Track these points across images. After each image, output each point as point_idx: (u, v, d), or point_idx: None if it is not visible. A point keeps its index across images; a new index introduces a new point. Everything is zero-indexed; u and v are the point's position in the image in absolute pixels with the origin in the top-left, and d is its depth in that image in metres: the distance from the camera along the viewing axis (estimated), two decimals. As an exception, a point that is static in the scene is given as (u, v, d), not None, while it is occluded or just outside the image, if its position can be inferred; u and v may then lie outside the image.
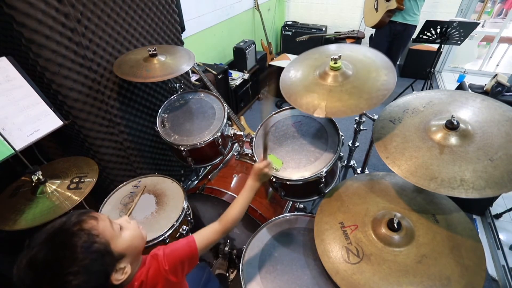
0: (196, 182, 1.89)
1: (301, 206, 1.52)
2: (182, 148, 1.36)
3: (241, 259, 1.01)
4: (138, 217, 1.21)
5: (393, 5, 2.53)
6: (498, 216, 1.97)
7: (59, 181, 1.15)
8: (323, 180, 1.09)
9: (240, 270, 0.98)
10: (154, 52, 1.37)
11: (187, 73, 2.01)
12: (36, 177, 1.09)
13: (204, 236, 0.83)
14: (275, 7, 4.49)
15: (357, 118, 1.39)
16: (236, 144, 1.66)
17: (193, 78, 2.41)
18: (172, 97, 1.59)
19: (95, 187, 1.14)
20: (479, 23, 3.15)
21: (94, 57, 1.33)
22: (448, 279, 0.75)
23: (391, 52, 2.90)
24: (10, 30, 1.09)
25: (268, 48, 3.85)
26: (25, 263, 0.55)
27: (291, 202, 1.59)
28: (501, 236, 1.85)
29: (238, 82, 3.09)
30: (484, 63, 4.09)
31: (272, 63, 3.42)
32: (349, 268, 0.82)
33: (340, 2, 4.20)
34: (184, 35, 2.19)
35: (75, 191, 1.11)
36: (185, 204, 1.25)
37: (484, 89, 2.35)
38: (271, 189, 1.45)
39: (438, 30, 2.56)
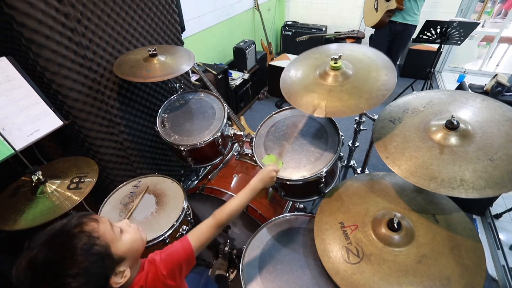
0: (196, 182, 1.89)
1: (301, 206, 1.52)
2: (182, 148, 1.36)
3: (241, 259, 1.01)
4: (138, 217, 1.21)
5: (393, 5, 2.53)
6: (498, 216, 1.97)
7: (59, 181, 1.14)
8: (323, 180, 1.09)
9: (240, 270, 0.98)
10: (154, 52, 1.37)
11: (187, 73, 2.01)
12: (36, 177, 1.09)
13: (199, 235, 0.82)
14: (275, 7, 4.49)
15: (357, 118, 1.39)
16: (236, 144, 1.66)
17: (193, 78, 2.41)
18: (172, 97, 1.59)
19: (95, 187, 1.14)
20: (479, 23, 3.15)
21: (94, 57, 1.33)
22: (448, 279, 0.75)
23: (391, 52, 2.90)
24: (10, 30, 1.09)
25: (268, 48, 3.85)
26: (24, 264, 0.55)
27: (291, 202, 1.59)
28: (501, 236, 1.85)
29: (238, 82, 3.09)
30: (484, 63, 4.09)
31: (272, 63, 3.42)
32: (349, 268, 0.82)
33: (340, 2, 4.20)
34: (184, 35, 2.18)
35: (75, 191, 1.11)
36: (185, 204, 1.25)
37: (484, 89, 2.35)
38: (271, 189, 1.45)
39: (438, 30, 2.56)
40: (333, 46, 1.23)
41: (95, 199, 1.32)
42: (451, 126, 0.82)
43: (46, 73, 1.17)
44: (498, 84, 2.21)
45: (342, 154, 1.21)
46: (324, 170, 1.06)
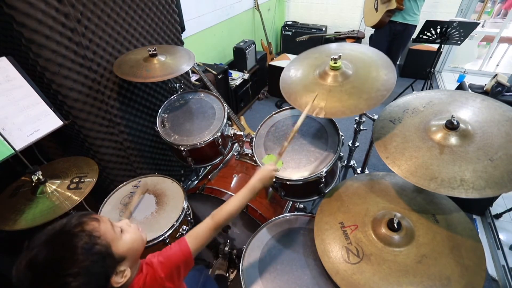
0: (196, 182, 1.89)
1: (301, 206, 1.52)
2: (182, 148, 1.36)
3: (241, 259, 1.01)
4: (138, 217, 1.21)
5: (393, 5, 2.53)
6: (498, 216, 1.97)
7: (59, 181, 1.14)
8: (323, 180, 1.09)
9: (240, 270, 0.98)
10: (154, 52, 1.37)
11: (187, 73, 2.01)
12: (36, 177, 1.09)
13: (197, 236, 0.82)
14: (275, 7, 4.49)
15: (357, 118, 1.39)
16: (236, 144, 1.66)
17: (193, 78, 2.41)
18: (172, 97, 1.59)
19: (95, 187, 1.14)
20: (479, 23, 3.15)
21: (94, 57, 1.33)
22: (448, 279, 0.75)
23: (391, 52, 2.90)
24: (10, 30, 1.09)
25: (268, 48, 3.85)
26: (24, 264, 0.55)
27: (291, 202, 1.59)
28: (501, 236, 1.85)
29: (238, 82, 3.09)
30: (484, 63, 4.09)
31: (272, 63, 3.42)
32: (349, 268, 0.82)
33: (340, 2, 4.20)
34: (184, 35, 2.18)
35: (75, 191, 1.11)
36: (185, 204, 1.25)
37: (484, 89, 2.35)
38: (271, 189, 1.45)
39: (438, 30, 2.56)
40: (332, 46, 1.23)
41: (95, 199, 1.32)
42: (451, 126, 0.82)
43: (46, 73, 1.17)
44: (498, 84, 2.21)
45: (342, 154, 1.21)
46: (324, 170, 1.06)
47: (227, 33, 3.46)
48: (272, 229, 1.11)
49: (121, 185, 1.36)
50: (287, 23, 4.44)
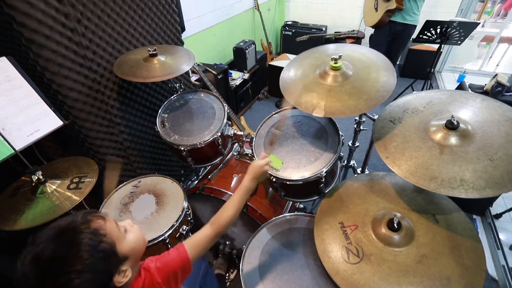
0: (196, 182, 1.89)
1: (301, 206, 1.52)
2: (182, 148, 1.37)
3: (241, 259, 1.01)
4: (138, 217, 1.22)
5: (392, 5, 2.53)
6: (498, 216, 1.97)
7: (59, 181, 1.14)
8: (323, 180, 1.09)
9: (240, 270, 0.98)
10: (154, 52, 1.37)
11: (187, 73, 2.01)
12: (36, 177, 1.09)
13: (196, 243, 0.81)
14: (275, 7, 4.49)
15: (357, 118, 1.39)
16: (236, 144, 1.66)
17: (193, 78, 2.41)
18: (172, 97, 1.59)
19: (95, 187, 1.14)
20: (479, 23, 3.15)
21: (94, 57, 1.33)
22: (448, 279, 0.75)
23: (391, 52, 2.90)
24: (10, 30, 1.09)
25: (268, 48, 3.85)
26: (29, 259, 0.55)
27: (291, 202, 1.59)
28: (501, 236, 1.85)
29: (238, 82, 3.09)
30: (484, 63, 4.09)
31: (272, 63, 3.42)
32: (349, 268, 0.82)
33: (340, 2, 4.20)
34: (184, 35, 2.18)
35: (75, 191, 1.11)
36: (185, 204, 1.25)
37: (484, 89, 2.35)
38: (271, 189, 1.45)
39: (438, 30, 2.56)
40: (332, 46, 1.23)
41: (95, 199, 1.32)
42: (451, 126, 0.82)
43: (46, 73, 1.17)
44: (498, 84, 2.21)
45: (342, 154, 1.21)
46: (324, 170, 1.06)
47: (227, 33, 3.45)
48: (272, 229, 1.11)
49: (121, 185, 1.37)
50: (287, 23, 4.44)
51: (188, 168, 2.18)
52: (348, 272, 0.81)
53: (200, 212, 1.54)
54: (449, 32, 2.53)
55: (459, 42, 2.61)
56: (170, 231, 1.16)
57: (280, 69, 3.12)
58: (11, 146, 0.96)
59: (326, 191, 1.14)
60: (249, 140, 1.55)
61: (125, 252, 0.66)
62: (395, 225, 0.84)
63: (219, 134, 1.40)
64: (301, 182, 1.08)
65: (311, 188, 1.17)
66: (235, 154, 1.67)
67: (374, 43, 3.00)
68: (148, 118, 1.77)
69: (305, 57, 1.21)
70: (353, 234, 0.89)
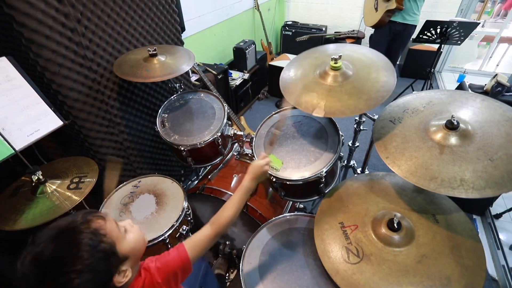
0: (196, 182, 1.89)
1: (301, 206, 1.52)
2: (182, 148, 1.36)
3: (241, 259, 1.01)
4: (138, 217, 1.22)
5: (392, 5, 2.53)
6: (498, 216, 1.97)
7: (59, 181, 1.14)
8: (323, 180, 1.09)
9: (240, 270, 0.98)
10: (154, 52, 1.37)
11: (187, 73, 2.01)
12: (36, 177, 1.09)
13: (196, 243, 0.81)
14: (275, 7, 4.49)
15: (357, 118, 1.39)
16: (236, 144, 1.66)
17: (193, 78, 2.41)
18: (172, 97, 1.59)
19: (95, 187, 1.14)
20: (479, 23, 3.15)
21: (94, 57, 1.33)
22: (448, 279, 0.75)
23: (391, 52, 2.90)
24: (10, 30, 1.08)
25: (268, 48, 3.85)
26: (29, 259, 0.55)
27: (291, 202, 1.59)
28: (501, 236, 1.85)
29: (238, 82, 3.09)
30: (484, 63, 4.09)
31: (272, 63, 3.42)
32: (349, 268, 0.82)
33: (340, 2, 4.20)
34: (184, 35, 2.18)
35: (75, 191, 1.11)
36: (185, 204, 1.25)
37: (484, 89, 2.35)
38: (271, 189, 1.45)
39: (438, 30, 2.56)
40: (332, 46, 1.23)
41: (95, 199, 1.32)
42: (451, 126, 0.82)
43: (46, 73, 1.17)
44: (498, 84, 2.21)
45: (342, 154, 1.21)
46: (324, 170, 1.06)
47: (227, 33, 3.45)
48: (272, 229, 1.11)
49: (121, 185, 1.37)
50: (287, 23, 4.44)
51: (188, 168, 2.18)
52: (348, 272, 0.81)
53: (200, 212, 1.54)
54: (449, 32, 2.53)
55: (459, 42, 2.61)
56: (170, 231, 1.16)
57: (280, 69, 3.12)
58: (11, 146, 0.96)
59: (326, 191, 1.14)
60: (249, 140, 1.55)
61: (125, 252, 0.66)
62: (395, 225, 0.84)
63: (219, 134, 1.40)
64: (301, 182, 1.08)
65: (311, 188, 1.17)
66: (235, 154, 1.67)
67: (374, 43, 3.00)
68: (148, 118, 1.77)
69: (305, 57, 1.21)
70: (353, 234, 0.89)
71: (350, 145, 1.53)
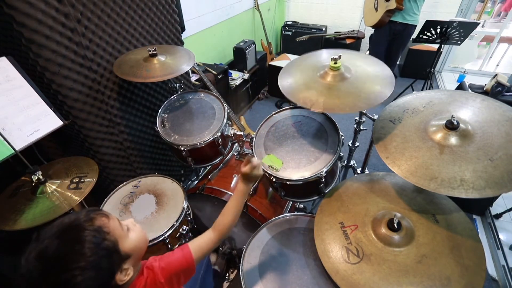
0: (196, 182, 1.89)
1: (301, 206, 1.52)
2: (182, 148, 1.36)
3: (241, 259, 1.01)
4: (138, 217, 1.21)
5: (392, 5, 2.53)
6: (498, 216, 1.97)
7: (59, 181, 1.14)
8: (323, 180, 1.09)
9: (240, 270, 0.98)
10: (154, 52, 1.37)
11: (187, 73, 2.01)
12: (36, 177, 1.09)
13: (200, 246, 0.82)
14: (275, 7, 4.49)
15: (357, 118, 1.39)
16: (236, 144, 1.66)
17: (193, 78, 2.40)
18: (172, 97, 1.59)
19: (95, 187, 1.14)
20: (479, 23, 3.15)
21: (94, 57, 1.33)
22: (448, 279, 0.75)
23: (391, 52, 2.90)
24: (10, 30, 1.08)
25: (268, 48, 3.85)
26: (34, 255, 0.56)
27: (291, 202, 1.59)
28: (501, 236, 1.85)
29: (238, 82, 3.09)
30: (484, 63, 4.09)
31: (272, 63, 3.42)
32: (349, 268, 0.82)
33: (340, 2, 4.20)
34: (184, 35, 2.18)
35: (75, 191, 1.11)
36: (185, 204, 1.25)
37: (484, 89, 2.35)
38: (271, 189, 1.45)
39: (438, 30, 2.56)
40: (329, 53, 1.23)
41: (95, 199, 1.32)
42: (451, 126, 0.82)
43: (46, 73, 1.17)
44: (498, 84, 2.21)
45: (342, 154, 1.21)
46: (324, 170, 1.06)
47: (227, 33, 3.45)
48: (272, 229, 1.11)
49: (121, 185, 1.37)
50: (287, 23, 4.44)
51: (188, 168, 2.18)
52: (348, 272, 0.81)
53: (200, 212, 1.54)
54: (449, 32, 2.53)
55: (459, 42, 2.61)
56: (170, 231, 1.16)
57: (280, 69, 3.13)
58: (11, 146, 0.96)
59: (326, 191, 1.14)
60: (249, 140, 1.55)
61: (127, 251, 0.67)
62: (395, 225, 0.84)
63: (219, 134, 1.40)
64: (301, 182, 1.08)
65: (311, 188, 1.17)
66: (235, 154, 1.67)
67: (374, 43, 3.00)
68: (148, 118, 1.77)
69: (302, 61, 1.21)
70: (353, 234, 0.89)
71: (350, 145, 1.53)
